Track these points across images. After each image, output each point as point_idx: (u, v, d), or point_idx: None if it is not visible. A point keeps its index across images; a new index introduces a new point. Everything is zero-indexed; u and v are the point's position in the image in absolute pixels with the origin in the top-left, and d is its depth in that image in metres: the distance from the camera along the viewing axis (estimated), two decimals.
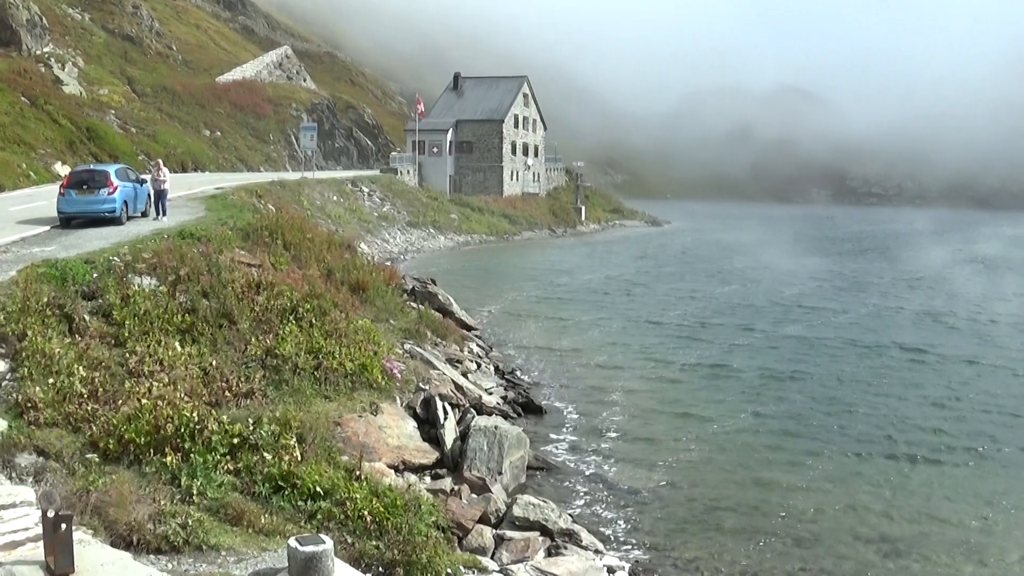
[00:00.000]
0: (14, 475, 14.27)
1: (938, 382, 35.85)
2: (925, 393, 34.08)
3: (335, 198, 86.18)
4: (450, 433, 23.67)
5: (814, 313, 52.90)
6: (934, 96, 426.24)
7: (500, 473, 22.46)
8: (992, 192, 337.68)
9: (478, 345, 40.02)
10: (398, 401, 24.21)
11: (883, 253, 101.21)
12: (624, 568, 18.95)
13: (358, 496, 16.19)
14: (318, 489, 16.13)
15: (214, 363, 20.25)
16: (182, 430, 16.37)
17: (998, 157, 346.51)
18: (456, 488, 20.69)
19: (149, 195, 40.74)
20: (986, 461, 26.45)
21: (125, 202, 37.56)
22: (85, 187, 36.32)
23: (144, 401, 17.01)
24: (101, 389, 17.58)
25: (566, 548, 18.98)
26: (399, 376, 25.06)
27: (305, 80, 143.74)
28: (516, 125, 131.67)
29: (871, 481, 24.69)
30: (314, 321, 24.98)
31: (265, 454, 16.52)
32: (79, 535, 10.42)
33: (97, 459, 15.32)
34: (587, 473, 24.92)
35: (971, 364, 39.13)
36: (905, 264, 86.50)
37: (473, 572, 16.99)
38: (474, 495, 20.53)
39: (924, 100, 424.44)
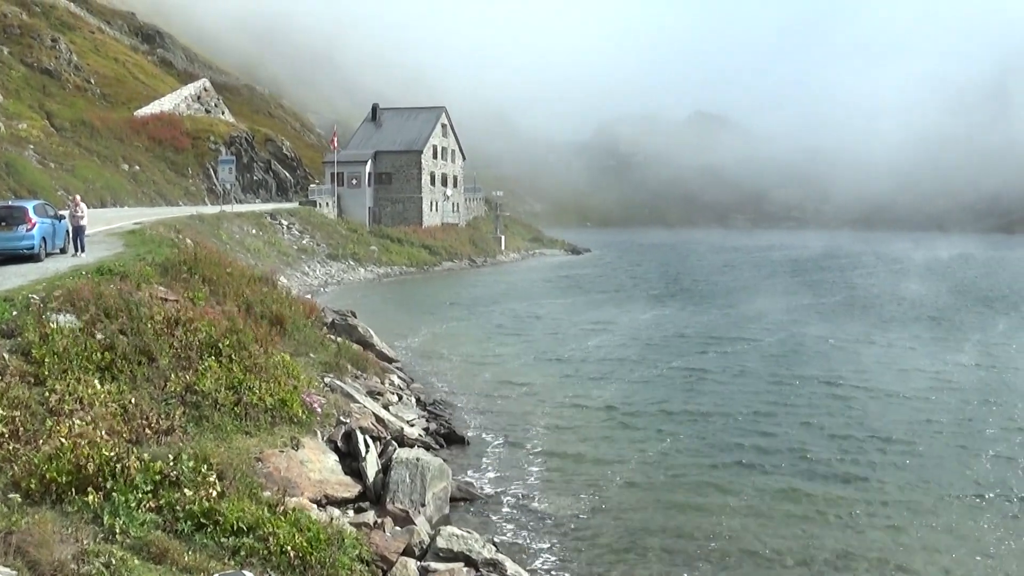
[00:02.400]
0: None
1: (844, 408, 36.47)
2: (835, 419, 34.67)
3: (254, 231, 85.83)
4: (372, 466, 23.70)
5: (727, 343, 53.56)
6: (850, 123, 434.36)
7: (423, 505, 22.50)
8: (907, 214, 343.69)
9: (399, 377, 40.02)
10: (319, 435, 24.18)
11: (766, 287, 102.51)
12: None
13: (281, 531, 16.15)
14: (241, 525, 16.05)
15: (133, 400, 20.10)
16: (103, 468, 16.20)
17: (913, 181, 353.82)
18: (379, 521, 20.72)
19: (67, 231, 40.44)
20: (898, 479, 27.05)
21: (43, 238, 37.22)
22: (3, 224, 35.91)
23: (65, 440, 16.85)
24: (22, 428, 17.38)
25: None
26: (319, 410, 25.02)
27: (224, 113, 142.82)
28: (435, 155, 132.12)
29: (792, 502, 25.16)
30: (233, 356, 24.86)
31: (186, 491, 16.49)
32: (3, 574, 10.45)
33: (19, 499, 15.24)
34: (511, 503, 25.07)
35: (869, 390, 39.91)
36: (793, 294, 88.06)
37: None
38: (397, 527, 20.58)
39: (840, 126, 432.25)
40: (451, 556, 19.57)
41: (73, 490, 15.78)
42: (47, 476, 15.93)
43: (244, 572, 8.88)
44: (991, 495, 25.54)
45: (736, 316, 64.56)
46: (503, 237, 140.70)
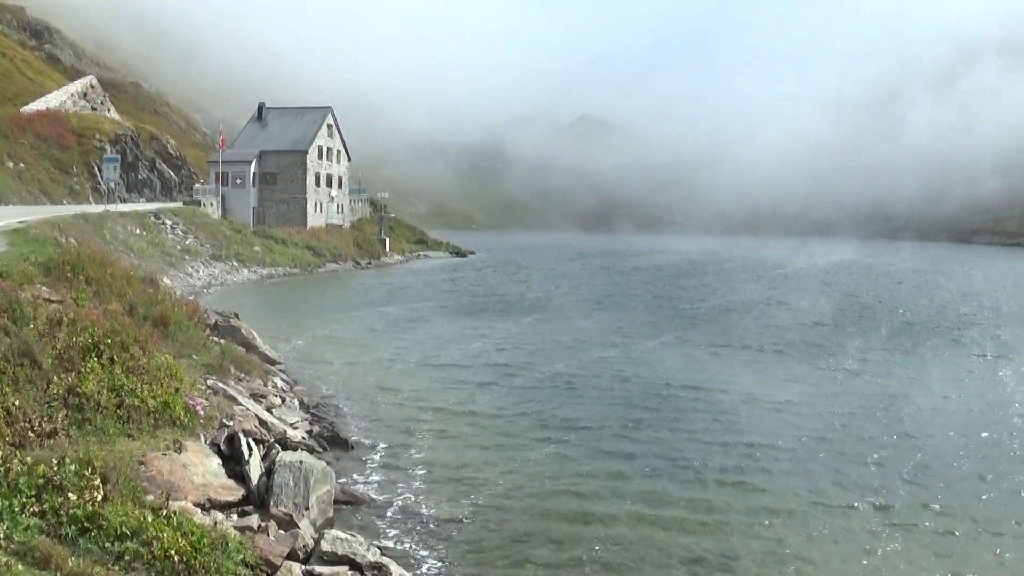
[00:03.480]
0: None
1: (715, 416, 37.08)
2: (707, 426, 35.29)
3: (138, 231, 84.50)
4: (255, 469, 23.56)
5: (600, 349, 54.12)
6: (737, 131, 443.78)
7: (307, 508, 22.45)
8: (791, 220, 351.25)
9: (282, 379, 39.86)
10: (202, 438, 23.97)
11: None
12: None
13: (165, 536, 15.98)
14: (124, 530, 15.87)
15: (16, 403, 19.84)
16: None
17: (799, 188, 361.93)
18: (263, 525, 20.68)
19: None
20: (773, 483, 27.73)
21: None
22: None
23: None
24: None
25: None
26: (202, 413, 24.78)
27: (110, 111, 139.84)
28: (320, 156, 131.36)
29: (671, 507, 25.58)
30: (116, 358, 24.50)
31: (71, 495, 16.33)
32: None
33: None
34: (396, 506, 25.12)
35: (740, 398, 40.74)
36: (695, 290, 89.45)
37: None
38: (282, 531, 20.57)
39: (727, 135, 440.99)
40: (336, 560, 19.59)
41: None
42: None
43: None
44: (865, 501, 26.32)
45: (610, 323, 65.11)
46: (387, 239, 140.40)
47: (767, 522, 24.43)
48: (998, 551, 22.87)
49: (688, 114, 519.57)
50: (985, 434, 34.02)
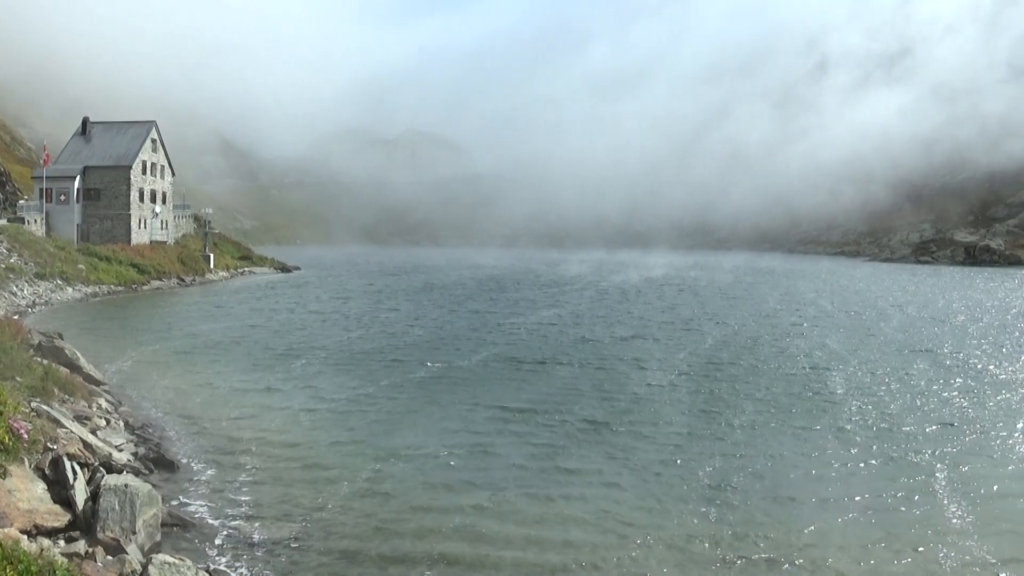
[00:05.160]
0: None
1: (534, 426, 37.84)
2: (525, 436, 35.85)
3: None
4: (80, 494, 23.19)
5: (431, 355, 54.65)
6: (572, 149, 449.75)
7: (134, 532, 22.20)
8: (616, 233, 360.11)
9: (107, 400, 39.07)
10: (26, 463, 23.52)
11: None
12: None
13: None
14: None
15: None
16: None
17: (627, 201, 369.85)
18: (90, 550, 20.41)
19: None
20: (603, 492, 28.39)
21: None
22: None
23: None
24: None
25: None
26: (26, 436, 24.25)
27: None
28: (144, 171, 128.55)
29: (504, 520, 26.13)
30: None
31: None
32: None
33: None
34: (224, 527, 24.95)
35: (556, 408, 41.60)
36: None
37: None
38: (109, 556, 20.34)
39: (560, 152, 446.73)
40: None
41: None
42: None
43: None
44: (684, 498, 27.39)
45: (436, 335, 65.51)
46: (212, 255, 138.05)
47: (599, 530, 25.28)
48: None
49: (520, 132, 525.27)
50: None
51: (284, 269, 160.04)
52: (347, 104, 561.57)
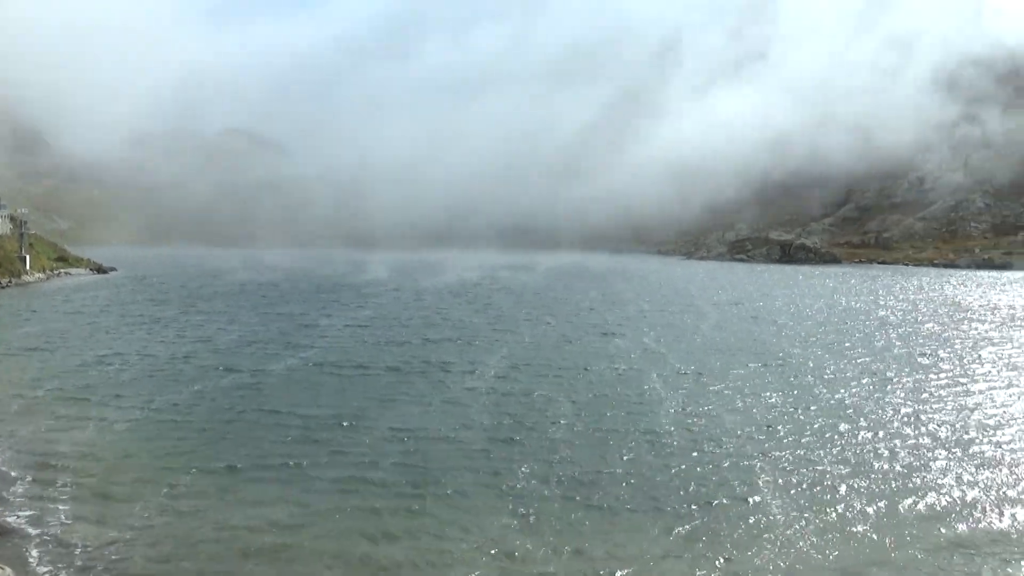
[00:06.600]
0: None
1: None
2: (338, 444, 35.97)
3: None
4: None
5: (239, 359, 54.32)
6: (389, 146, 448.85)
7: None
8: (451, 232, 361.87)
9: None
10: None
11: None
12: None
13: None
14: None
15: None
16: None
17: (457, 207, 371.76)
18: None
19: None
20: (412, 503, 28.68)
21: None
22: None
23: None
24: None
25: None
26: None
27: None
28: None
29: (348, 515, 26.87)
30: None
31: None
32: None
33: None
34: (45, 534, 24.93)
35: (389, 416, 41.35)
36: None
37: None
38: None
39: (390, 158, 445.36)
40: None
41: None
42: None
43: None
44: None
45: (247, 338, 64.60)
46: (28, 256, 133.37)
47: (419, 527, 26.03)
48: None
49: (346, 134, 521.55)
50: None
51: (101, 270, 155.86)
52: (167, 104, 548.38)
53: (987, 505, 28.71)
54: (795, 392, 47.09)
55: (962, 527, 26.74)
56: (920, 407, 43.59)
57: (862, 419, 40.72)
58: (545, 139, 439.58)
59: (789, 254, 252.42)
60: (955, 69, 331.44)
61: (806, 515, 27.65)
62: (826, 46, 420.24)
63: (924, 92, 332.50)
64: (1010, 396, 46.88)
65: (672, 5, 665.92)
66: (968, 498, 29.36)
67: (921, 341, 68.93)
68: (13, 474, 30.60)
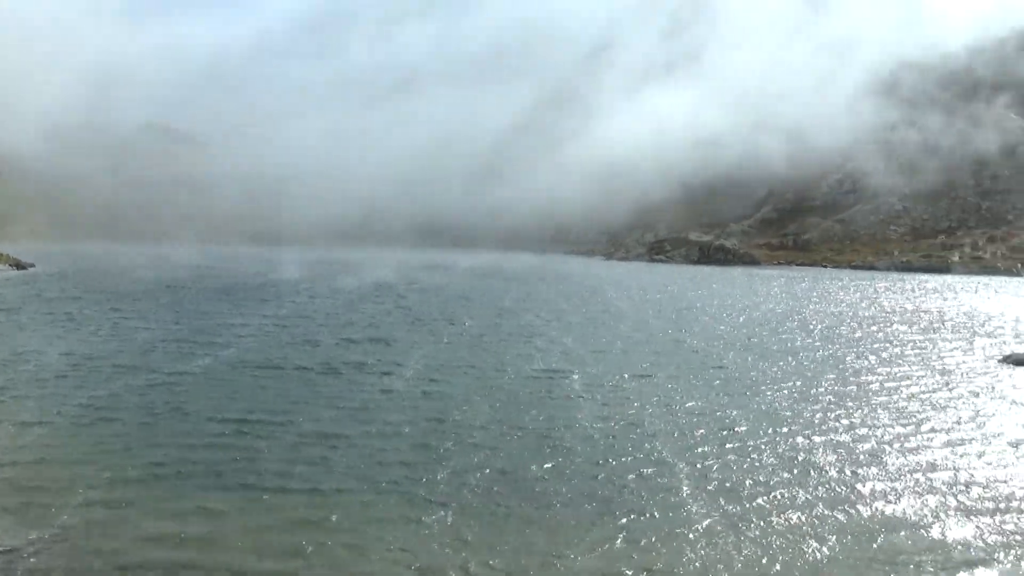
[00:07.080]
0: None
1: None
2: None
3: None
4: None
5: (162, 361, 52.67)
6: (306, 144, 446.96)
7: None
8: (367, 230, 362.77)
9: None
10: None
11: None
12: None
13: None
14: None
15: None
16: None
17: (373, 206, 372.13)
18: None
19: None
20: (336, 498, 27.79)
21: None
22: None
23: None
24: None
25: None
26: None
27: None
28: None
29: (261, 527, 25.74)
30: None
31: None
32: None
33: None
34: None
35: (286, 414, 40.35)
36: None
37: None
38: None
39: (306, 156, 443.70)
40: None
41: None
42: None
43: None
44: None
45: (164, 336, 62.96)
46: None
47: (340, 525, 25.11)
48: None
49: (266, 131, 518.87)
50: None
51: (19, 266, 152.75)
52: (80, 98, 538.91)
53: (919, 512, 28.24)
54: (717, 393, 46.96)
55: (893, 534, 26.34)
56: (848, 410, 43.40)
57: (788, 420, 40.64)
58: (468, 138, 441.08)
59: (708, 255, 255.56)
60: (894, 73, 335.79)
61: (728, 516, 27.29)
62: (762, 49, 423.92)
63: (861, 96, 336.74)
64: (939, 400, 46.73)
65: (604, 5, 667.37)
66: (900, 504, 29.07)
67: (842, 344, 69.33)
68: None
